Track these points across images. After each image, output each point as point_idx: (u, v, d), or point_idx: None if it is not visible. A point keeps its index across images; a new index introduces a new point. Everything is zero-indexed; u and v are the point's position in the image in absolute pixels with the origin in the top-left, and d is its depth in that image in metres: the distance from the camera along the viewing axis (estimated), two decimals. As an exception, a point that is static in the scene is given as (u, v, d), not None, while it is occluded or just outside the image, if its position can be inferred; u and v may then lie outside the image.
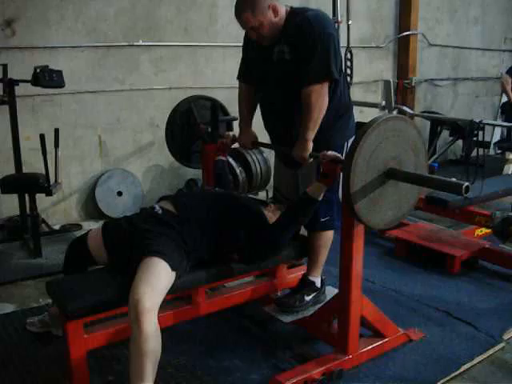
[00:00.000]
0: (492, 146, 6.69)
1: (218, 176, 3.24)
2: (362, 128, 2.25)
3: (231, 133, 3.28)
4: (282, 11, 2.68)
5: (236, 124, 3.29)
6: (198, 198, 2.75)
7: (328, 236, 2.92)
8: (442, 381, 2.55)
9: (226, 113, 3.72)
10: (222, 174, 3.24)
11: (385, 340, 2.76)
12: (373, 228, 2.47)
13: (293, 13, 2.71)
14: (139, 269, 2.23)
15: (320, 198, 2.57)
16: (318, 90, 2.61)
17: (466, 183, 2.09)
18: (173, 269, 2.28)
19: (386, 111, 4.76)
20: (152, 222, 2.49)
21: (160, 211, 2.55)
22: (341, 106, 2.79)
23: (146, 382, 2.04)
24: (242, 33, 2.90)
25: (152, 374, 2.07)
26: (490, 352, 2.78)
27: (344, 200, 2.34)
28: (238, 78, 3.07)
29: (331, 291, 2.98)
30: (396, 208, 2.43)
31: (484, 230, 4.30)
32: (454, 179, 2.26)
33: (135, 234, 2.45)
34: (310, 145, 2.68)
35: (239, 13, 2.67)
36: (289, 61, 2.67)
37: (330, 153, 2.52)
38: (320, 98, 2.62)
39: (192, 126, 3.50)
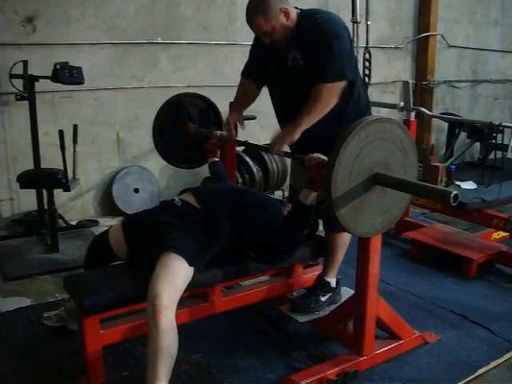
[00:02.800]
0: (510, 148, 6.61)
1: (215, 179, 3.13)
2: (341, 135, 2.11)
3: (219, 132, 3.16)
4: (293, 14, 2.64)
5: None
6: (220, 192, 2.73)
7: (347, 237, 2.90)
8: (457, 384, 2.53)
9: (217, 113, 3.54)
10: (219, 177, 3.11)
11: (400, 342, 2.75)
12: (362, 236, 2.38)
13: (303, 15, 2.67)
14: (157, 265, 2.24)
15: (312, 204, 2.43)
16: (330, 88, 2.53)
17: (455, 192, 1.95)
18: (191, 265, 2.29)
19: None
20: (171, 215, 2.49)
21: (179, 203, 2.55)
22: (360, 107, 2.75)
23: (161, 377, 2.05)
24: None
25: (168, 370, 2.09)
26: (507, 356, 2.76)
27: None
28: (243, 74, 3.01)
29: (347, 292, 2.97)
30: (386, 213, 2.31)
31: (501, 234, 4.26)
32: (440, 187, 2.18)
33: (154, 226, 2.46)
34: (289, 141, 2.59)
35: (251, 19, 2.64)
36: (302, 67, 2.62)
37: (315, 155, 2.35)
38: (329, 97, 2.54)
39: (180, 125, 3.35)
